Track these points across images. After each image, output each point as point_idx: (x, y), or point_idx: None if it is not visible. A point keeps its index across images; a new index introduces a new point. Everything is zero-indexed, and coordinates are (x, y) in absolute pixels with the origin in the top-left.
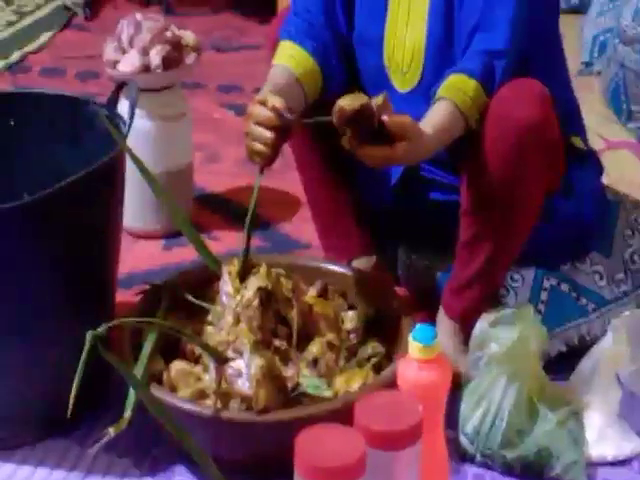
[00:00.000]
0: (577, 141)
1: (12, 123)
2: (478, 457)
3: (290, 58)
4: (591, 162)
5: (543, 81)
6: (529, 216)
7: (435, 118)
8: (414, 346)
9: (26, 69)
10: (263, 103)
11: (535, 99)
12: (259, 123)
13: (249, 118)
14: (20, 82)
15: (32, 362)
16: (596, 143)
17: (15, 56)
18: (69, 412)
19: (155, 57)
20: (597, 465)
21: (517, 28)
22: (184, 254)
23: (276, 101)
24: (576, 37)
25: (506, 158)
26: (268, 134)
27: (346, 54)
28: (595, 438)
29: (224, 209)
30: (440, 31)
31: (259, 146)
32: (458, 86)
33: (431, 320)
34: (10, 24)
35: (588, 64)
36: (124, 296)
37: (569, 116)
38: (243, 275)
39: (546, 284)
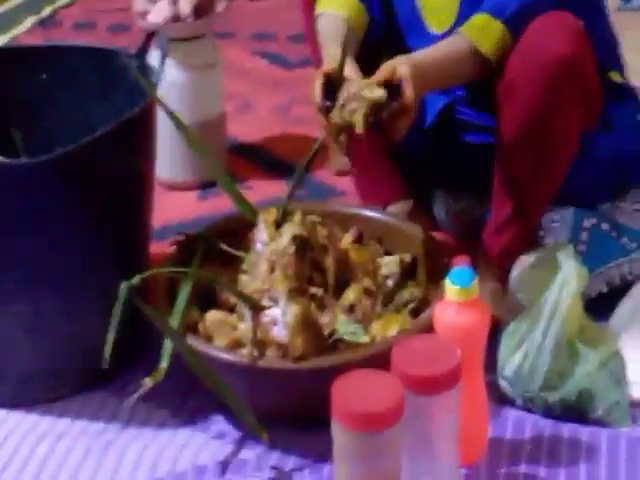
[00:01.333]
0: (615, 76)
1: (44, 76)
2: (518, 401)
3: (336, 3)
4: (630, 97)
5: (579, 14)
6: (565, 153)
7: (435, 45)
8: (451, 289)
9: (57, 24)
10: (327, 75)
11: (568, 33)
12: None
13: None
14: (51, 37)
15: (67, 314)
16: (637, 81)
17: (46, 11)
18: (105, 363)
19: (185, 6)
20: None
21: None
22: (220, 204)
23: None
24: None
25: (539, 94)
26: (321, 118)
27: None
28: (638, 378)
29: (258, 158)
30: None
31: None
32: (468, 21)
33: (470, 264)
34: None
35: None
36: (159, 247)
37: (606, 50)
38: (279, 224)
39: (586, 223)
